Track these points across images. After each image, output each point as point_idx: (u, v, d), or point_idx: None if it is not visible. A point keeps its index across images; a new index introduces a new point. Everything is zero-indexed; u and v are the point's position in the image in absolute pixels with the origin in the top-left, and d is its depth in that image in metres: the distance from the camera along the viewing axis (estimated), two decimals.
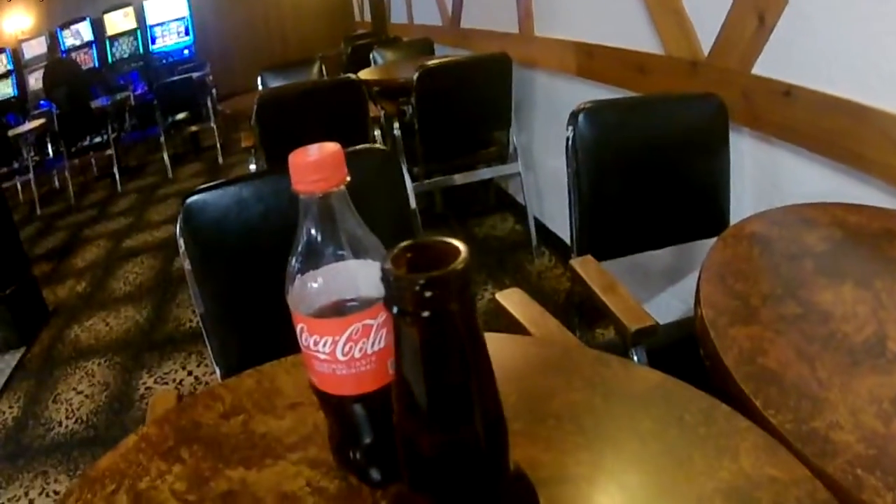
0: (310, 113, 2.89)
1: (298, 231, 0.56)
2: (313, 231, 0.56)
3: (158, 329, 3.36)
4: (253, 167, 3.32)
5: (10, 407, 2.91)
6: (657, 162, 1.61)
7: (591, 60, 2.61)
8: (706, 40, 1.85)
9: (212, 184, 1.24)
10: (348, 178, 0.55)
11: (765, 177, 1.75)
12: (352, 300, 0.56)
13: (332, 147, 0.55)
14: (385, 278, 0.35)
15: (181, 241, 1.19)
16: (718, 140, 1.61)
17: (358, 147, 1.31)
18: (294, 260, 0.56)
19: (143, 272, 4.14)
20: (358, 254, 0.56)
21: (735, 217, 1.59)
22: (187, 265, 1.20)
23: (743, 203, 1.73)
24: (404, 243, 0.38)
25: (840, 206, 1.22)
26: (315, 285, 0.56)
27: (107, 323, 3.53)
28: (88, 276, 4.26)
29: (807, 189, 1.56)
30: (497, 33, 3.67)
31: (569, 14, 2.84)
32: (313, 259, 0.56)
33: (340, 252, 0.56)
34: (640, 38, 2.20)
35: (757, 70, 1.66)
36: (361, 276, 0.56)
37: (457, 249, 0.36)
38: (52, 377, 3.09)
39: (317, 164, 0.54)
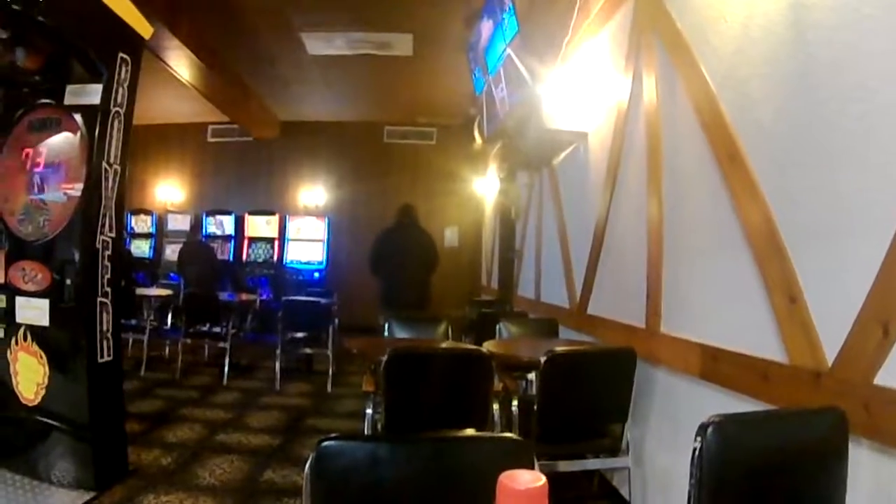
0: (438, 376, 3.11)
1: None
2: None
3: None
4: (369, 411, 3.48)
5: None
6: (776, 476, 1.66)
7: (715, 364, 2.76)
8: (830, 351, 2.02)
9: (348, 434, 1.39)
10: None
11: (880, 489, 1.81)
12: None
13: (538, 480, 0.66)
14: None
15: (307, 481, 1.29)
16: (838, 454, 1.68)
17: (495, 435, 1.49)
18: None
19: (231, 471, 4.26)
20: None
21: None
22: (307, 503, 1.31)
23: None
24: None
25: None
26: None
27: None
28: (176, 454, 4.48)
29: None
30: (622, 324, 3.93)
31: (697, 315, 3.04)
32: None
33: None
34: (765, 345, 2.38)
35: (879, 381, 1.80)
36: None
37: None
38: None
39: (525, 495, 0.64)
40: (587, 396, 3.27)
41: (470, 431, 1.48)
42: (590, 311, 4.74)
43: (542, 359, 3.09)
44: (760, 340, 2.42)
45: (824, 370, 2.04)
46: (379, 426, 3.31)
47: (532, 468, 1.31)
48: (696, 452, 1.57)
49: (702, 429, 1.58)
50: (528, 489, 0.64)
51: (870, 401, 1.81)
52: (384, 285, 6.55)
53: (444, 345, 4.16)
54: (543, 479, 0.65)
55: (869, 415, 1.81)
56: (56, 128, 3.83)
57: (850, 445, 1.68)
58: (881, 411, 1.78)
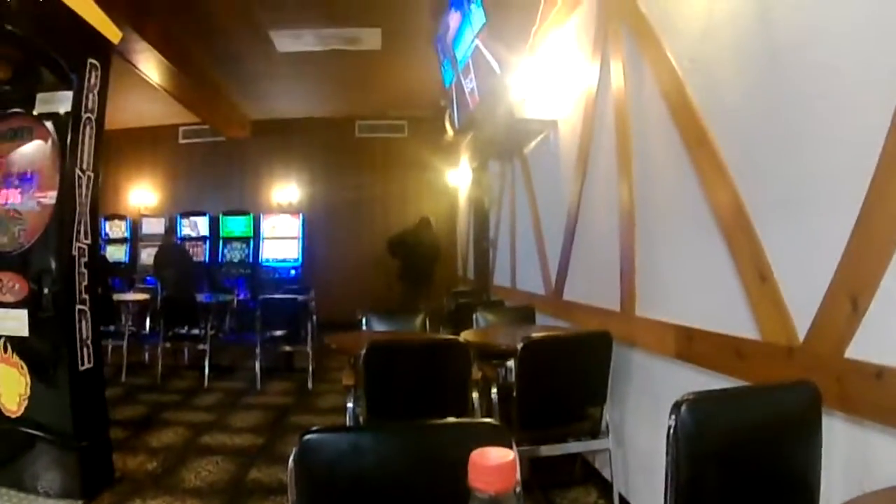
0: (417, 367, 3.13)
1: None
2: None
3: None
4: (350, 405, 3.49)
5: None
6: (752, 451, 1.68)
7: (690, 344, 2.80)
8: (801, 326, 2.05)
9: (330, 426, 1.40)
10: (519, 482, 0.69)
11: (855, 458, 1.84)
12: None
13: (508, 455, 0.68)
14: None
15: (292, 475, 1.29)
16: (812, 426, 1.70)
17: (473, 421, 1.51)
18: None
19: (216, 472, 4.26)
20: None
21: (824, 500, 1.67)
22: (293, 497, 1.30)
23: (833, 485, 1.78)
24: None
25: None
26: None
27: None
28: (161, 458, 4.48)
29: None
30: (598, 309, 3.96)
31: (671, 297, 3.08)
32: None
33: None
34: (738, 323, 2.41)
35: (849, 354, 1.83)
36: None
37: None
38: None
39: (496, 469, 0.66)
40: (565, 381, 3.29)
41: (450, 419, 1.49)
42: (565, 296, 4.77)
43: (519, 345, 3.11)
44: (733, 318, 2.45)
45: (796, 345, 2.08)
46: (360, 419, 3.31)
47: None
48: (671, 430, 1.58)
49: (676, 407, 1.59)
50: (498, 464, 0.67)
51: (841, 373, 1.84)
52: (403, 265, 9.43)
53: (422, 336, 4.18)
54: (513, 455, 0.68)
55: (841, 387, 1.84)
56: (28, 136, 3.79)
57: (824, 417, 1.70)
58: (853, 383, 1.81)
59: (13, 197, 3.76)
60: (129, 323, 7.46)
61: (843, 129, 1.90)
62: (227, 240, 11.87)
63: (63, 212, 3.66)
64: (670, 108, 2.97)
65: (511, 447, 1.35)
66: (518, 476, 0.68)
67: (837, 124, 1.92)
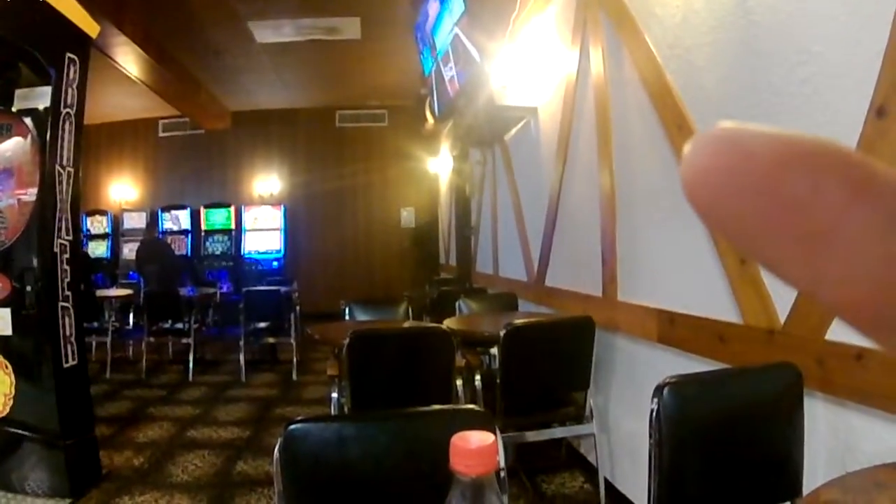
0: (400, 355, 3.12)
1: (448, 500, 0.68)
2: None
3: None
4: (334, 395, 3.48)
5: None
6: (735, 432, 1.70)
7: (672, 328, 2.81)
8: (782, 309, 2.06)
9: (314, 416, 1.40)
10: (502, 465, 0.72)
11: (837, 439, 1.86)
12: None
13: (488, 439, 0.69)
14: None
15: (277, 465, 1.30)
16: (793, 407, 1.72)
17: (457, 407, 1.51)
18: None
19: (203, 466, 4.25)
20: None
21: (808, 480, 1.69)
22: (279, 487, 1.30)
23: (816, 465, 1.82)
24: None
25: None
26: None
27: None
28: (147, 453, 4.46)
29: (880, 447, 1.69)
30: (580, 294, 3.97)
31: (652, 282, 3.09)
32: None
33: None
34: (719, 307, 2.42)
35: (830, 336, 1.84)
36: None
37: None
38: None
39: (477, 452, 0.67)
40: (548, 366, 3.30)
41: (433, 406, 1.49)
42: (548, 282, 4.79)
43: (502, 332, 3.11)
44: (715, 302, 2.46)
45: (777, 328, 2.09)
46: (345, 409, 3.31)
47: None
48: (654, 414, 1.60)
49: (658, 390, 1.61)
50: (479, 447, 0.67)
51: (822, 355, 1.86)
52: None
53: (405, 324, 4.18)
54: (494, 438, 0.68)
55: (822, 369, 1.86)
56: (7, 134, 3.74)
57: (806, 399, 1.72)
58: (833, 365, 1.82)
59: None
60: (113, 319, 7.39)
61: (823, 113, 1.91)
62: (209, 233, 11.82)
63: (44, 209, 3.62)
64: (650, 94, 2.97)
65: (494, 432, 1.37)
66: (500, 460, 0.68)
67: (817, 109, 1.93)
